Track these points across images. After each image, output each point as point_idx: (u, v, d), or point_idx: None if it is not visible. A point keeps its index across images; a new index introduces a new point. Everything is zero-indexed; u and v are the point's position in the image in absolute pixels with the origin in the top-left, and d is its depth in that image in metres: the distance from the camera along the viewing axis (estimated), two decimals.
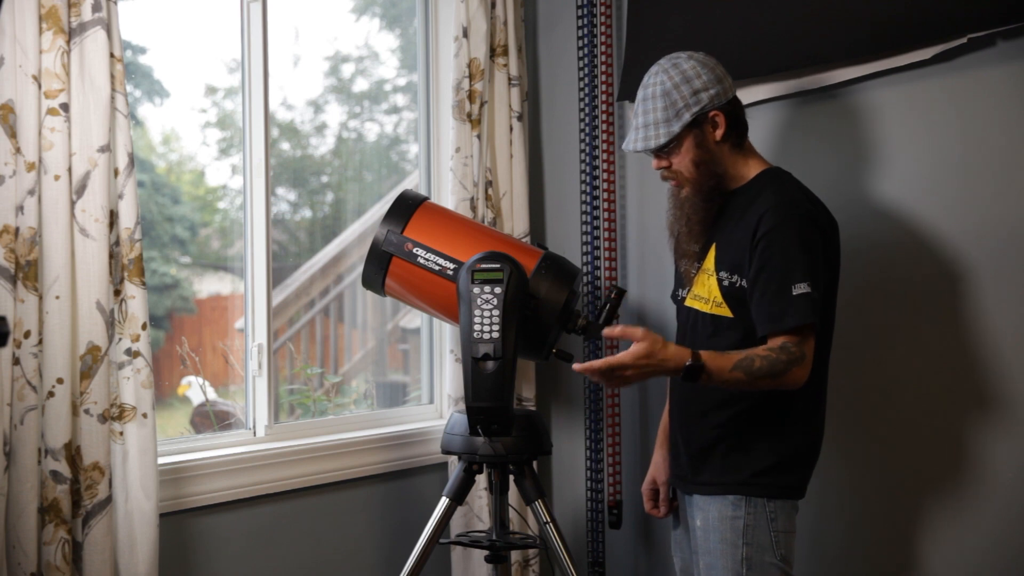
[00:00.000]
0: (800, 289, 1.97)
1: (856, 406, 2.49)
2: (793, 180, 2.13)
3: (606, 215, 2.98)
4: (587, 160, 2.97)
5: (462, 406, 2.66)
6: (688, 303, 2.19)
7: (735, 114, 2.13)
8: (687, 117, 2.08)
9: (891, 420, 2.46)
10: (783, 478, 2.06)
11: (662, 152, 2.13)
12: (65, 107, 2.06)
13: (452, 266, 2.27)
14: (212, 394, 2.91)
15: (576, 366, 1.99)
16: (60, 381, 2.04)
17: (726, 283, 2.08)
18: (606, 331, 2.01)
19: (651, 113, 2.11)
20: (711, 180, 2.12)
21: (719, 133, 2.10)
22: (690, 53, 2.14)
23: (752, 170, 2.14)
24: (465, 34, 2.84)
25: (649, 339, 1.94)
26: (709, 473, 2.10)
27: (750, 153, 2.17)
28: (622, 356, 1.94)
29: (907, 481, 2.43)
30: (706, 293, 2.13)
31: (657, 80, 2.12)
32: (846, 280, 2.31)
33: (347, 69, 3.24)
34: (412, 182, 3.18)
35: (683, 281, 2.22)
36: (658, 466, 2.34)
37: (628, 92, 2.90)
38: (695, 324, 2.16)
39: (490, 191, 2.90)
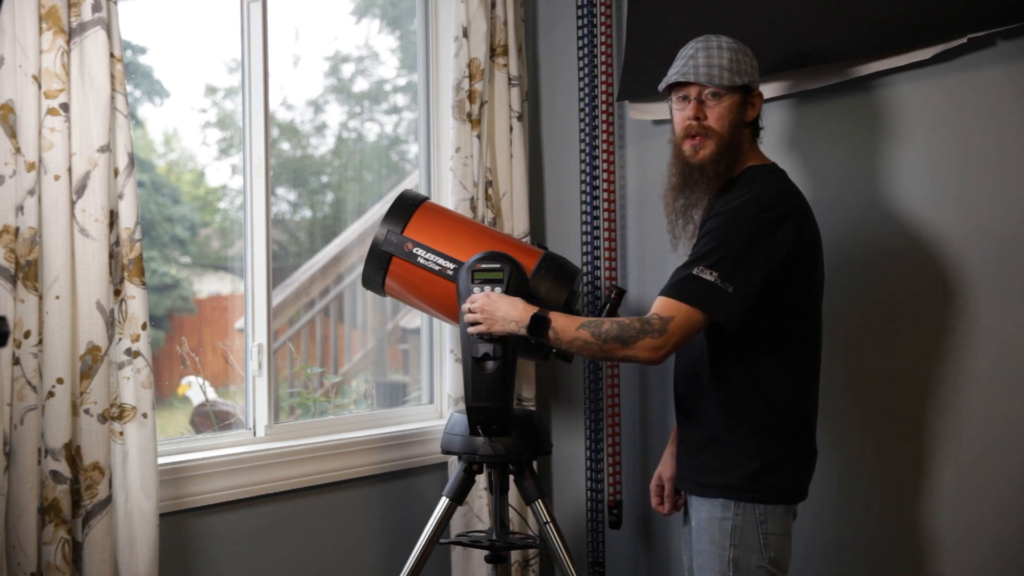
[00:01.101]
0: (702, 273, 1.95)
1: (857, 407, 2.49)
2: (773, 179, 2.10)
3: (606, 215, 2.98)
4: (587, 160, 2.97)
5: (462, 406, 2.66)
6: None
7: (760, 111, 2.17)
8: (746, 79, 2.10)
9: (891, 421, 2.46)
10: (775, 481, 2.04)
11: (714, 95, 2.08)
12: (65, 107, 2.06)
13: (452, 266, 2.27)
14: (212, 394, 2.91)
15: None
16: (60, 381, 2.04)
17: None
18: None
19: (716, 58, 2.09)
20: (732, 150, 2.10)
21: (753, 114, 2.13)
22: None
23: (747, 163, 2.13)
24: (465, 34, 2.84)
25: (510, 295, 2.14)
26: (702, 473, 2.10)
27: (754, 150, 2.16)
28: (484, 294, 2.14)
29: (908, 482, 2.43)
30: None
31: (721, 40, 2.12)
32: (843, 280, 2.32)
33: (347, 69, 3.24)
34: (412, 182, 3.18)
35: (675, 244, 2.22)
36: (665, 463, 2.34)
37: (628, 92, 2.90)
38: None
39: (490, 191, 2.90)
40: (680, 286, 1.97)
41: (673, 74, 2.13)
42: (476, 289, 2.20)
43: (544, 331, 2.05)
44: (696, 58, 2.10)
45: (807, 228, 2.05)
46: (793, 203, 2.04)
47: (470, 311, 2.17)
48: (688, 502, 2.20)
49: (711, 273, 1.95)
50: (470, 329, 2.17)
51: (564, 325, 2.04)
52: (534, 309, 2.09)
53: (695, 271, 1.96)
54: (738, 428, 2.06)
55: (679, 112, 2.13)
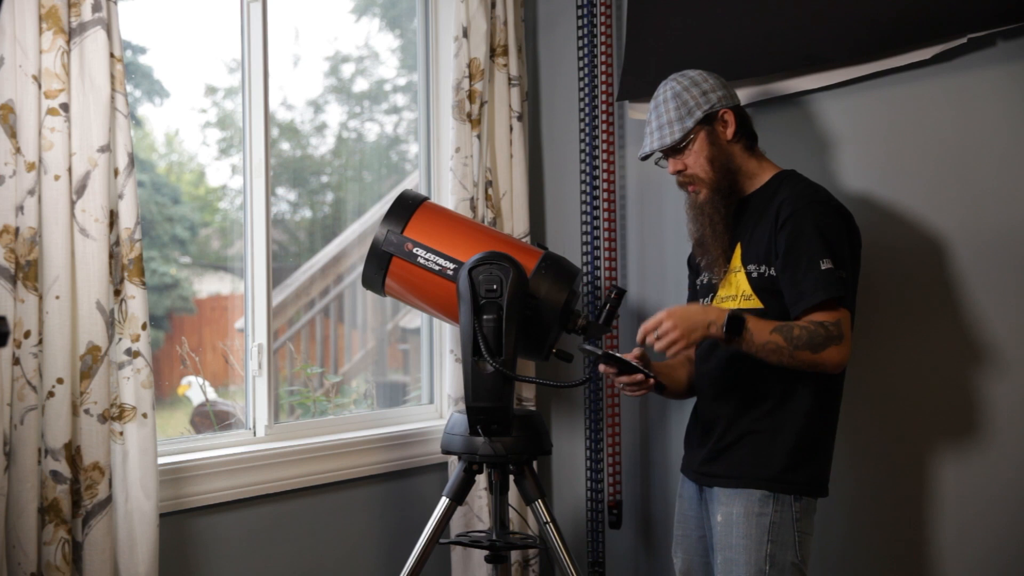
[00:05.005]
0: (824, 265, 2.01)
1: (849, 397, 2.50)
2: (808, 179, 2.20)
3: (606, 215, 2.98)
4: (587, 160, 2.97)
5: (462, 406, 2.66)
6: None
7: (744, 117, 2.22)
8: (699, 114, 2.16)
9: (889, 421, 2.46)
10: (810, 475, 2.09)
11: (677, 150, 2.19)
12: (65, 107, 2.06)
13: (452, 266, 2.27)
14: (212, 394, 2.91)
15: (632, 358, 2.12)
16: (60, 381, 2.04)
17: (755, 275, 2.12)
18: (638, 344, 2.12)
19: (664, 115, 2.19)
20: (727, 179, 2.18)
21: (730, 132, 2.18)
22: (693, 70, 2.25)
23: (767, 172, 2.22)
24: (465, 34, 2.84)
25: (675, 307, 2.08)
26: (735, 465, 2.12)
27: (762, 158, 2.25)
28: (659, 314, 2.05)
29: (910, 481, 2.43)
30: (733, 291, 2.17)
31: (667, 87, 2.22)
32: None
33: (347, 69, 3.24)
34: (412, 182, 3.18)
35: (705, 291, 2.24)
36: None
37: (628, 92, 2.90)
38: None
39: (490, 191, 2.90)
40: (820, 284, 2.01)
41: (642, 148, 2.25)
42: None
43: (741, 329, 2.01)
44: (650, 123, 2.23)
45: (857, 230, 2.15)
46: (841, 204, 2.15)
47: (657, 337, 2.04)
48: (705, 499, 2.20)
49: (828, 262, 2.01)
50: (669, 351, 2.04)
51: (758, 327, 2.01)
52: (724, 309, 2.05)
53: (822, 267, 2.00)
54: (777, 423, 2.09)
55: (667, 170, 2.25)
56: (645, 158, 2.26)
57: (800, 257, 2.04)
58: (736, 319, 2.00)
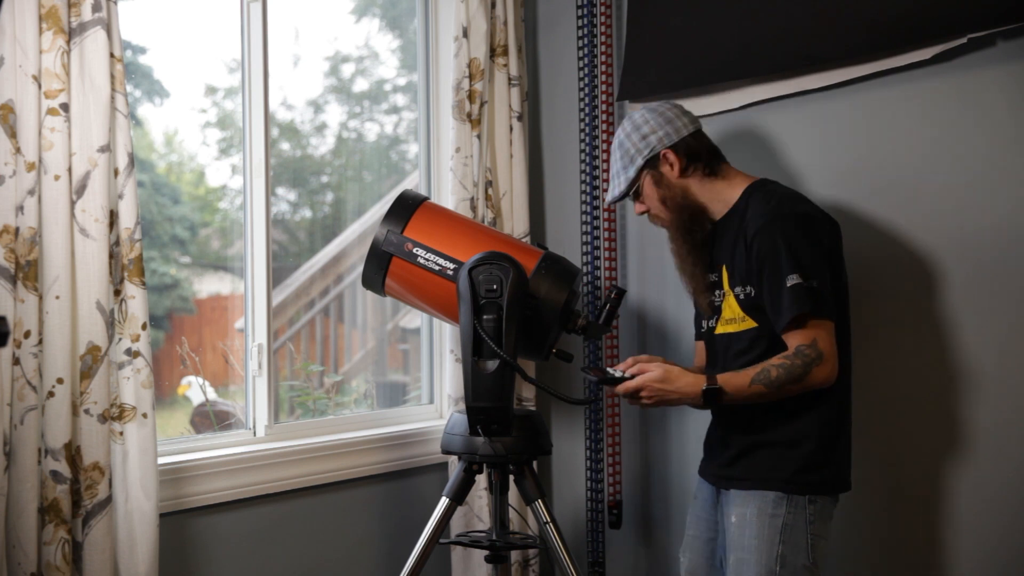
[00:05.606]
0: (791, 281, 2.01)
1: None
2: (779, 186, 2.19)
3: (606, 215, 2.98)
4: (587, 160, 2.97)
5: (462, 406, 2.66)
6: (720, 331, 2.22)
7: (692, 148, 2.21)
8: (640, 161, 2.22)
9: (883, 408, 2.46)
10: (824, 475, 2.09)
11: (633, 197, 2.27)
12: (65, 107, 2.06)
13: (452, 266, 2.27)
14: (212, 394, 2.91)
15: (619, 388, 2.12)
16: (60, 381, 2.04)
17: (742, 296, 2.14)
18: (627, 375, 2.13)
19: (615, 164, 2.28)
20: (684, 214, 2.21)
21: (676, 169, 2.21)
22: (646, 104, 2.29)
23: (736, 189, 2.21)
24: (465, 34, 2.84)
25: (664, 367, 2.10)
26: (752, 469, 2.13)
27: (730, 175, 2.24)
28: (639, 379, 2.08)
29: (908, 471, 2.43)
30: (732, 314, 2.19)
31: (617, 134, 2.28)
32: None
33: (347, 69, 3.24)
34: (412, 182, 3.18)
35: (708, 312, 2.26)
36: None
37: (628, 92, 2.90)
38: (728, 346, 2.20)
39: (490, 191, 2.90)
40: (789, 301, 2.01)
41: (607, 195, 2.35)
42: (617, 373, 2.17)
43: (718, 399, 2.06)
44: (611, 172, 2.30)
45: (832, 231, 2.14)
46: (810, 204, 2.14)
47: (633, 394, 2.11)
48: (724, 501, 2.20)
49: (796, 277, 2.01)
50: (638, 404, 2.14)
51: (736, 387, 2.05)
52: (700, 383, 2.07)
53: (788, 284, 2.01)
54: (794, 432, 2.10)
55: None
56: (611, 205, 2.32)
57: (770, 277, 2.06)
58: (712, 393, 2.05)
